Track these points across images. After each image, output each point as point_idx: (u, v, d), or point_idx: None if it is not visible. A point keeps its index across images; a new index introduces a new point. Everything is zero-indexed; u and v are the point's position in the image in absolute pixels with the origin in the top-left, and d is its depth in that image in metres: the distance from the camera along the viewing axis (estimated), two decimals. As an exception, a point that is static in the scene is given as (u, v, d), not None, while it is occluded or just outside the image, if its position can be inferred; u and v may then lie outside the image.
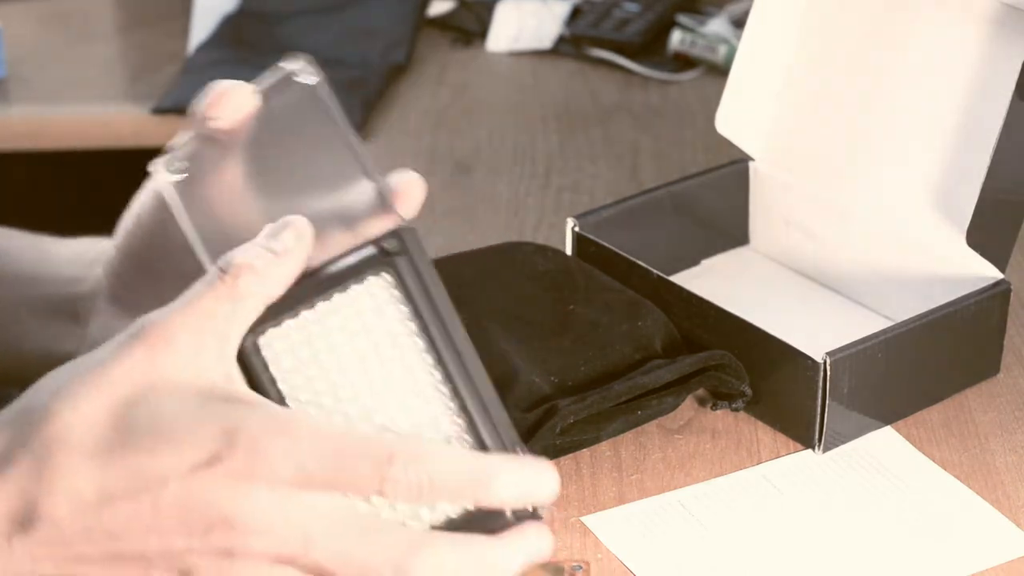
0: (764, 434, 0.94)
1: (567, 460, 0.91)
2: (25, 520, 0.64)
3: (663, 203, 1.08)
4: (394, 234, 0.67)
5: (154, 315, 0.66)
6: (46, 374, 0.67)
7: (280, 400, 0.66)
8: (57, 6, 1.64)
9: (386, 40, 1.50)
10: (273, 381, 0.67)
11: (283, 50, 1.57)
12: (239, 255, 0.66)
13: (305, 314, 0.67)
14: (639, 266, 1.00)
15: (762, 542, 0.86)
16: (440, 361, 0.67)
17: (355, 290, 0.67)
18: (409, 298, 0.67)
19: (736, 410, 0.94)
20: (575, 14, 1.55)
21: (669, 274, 1.01)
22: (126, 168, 1.57)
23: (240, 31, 1.52)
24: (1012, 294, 0.97)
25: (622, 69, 1.47)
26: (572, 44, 1.51)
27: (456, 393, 0.66)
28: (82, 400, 0.65)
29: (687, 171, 1.13)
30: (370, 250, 0.67)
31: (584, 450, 0.92)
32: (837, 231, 1.06)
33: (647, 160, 1.30)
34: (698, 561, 0.85)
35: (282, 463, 0.63)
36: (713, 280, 1.08)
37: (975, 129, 0.98)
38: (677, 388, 0.93)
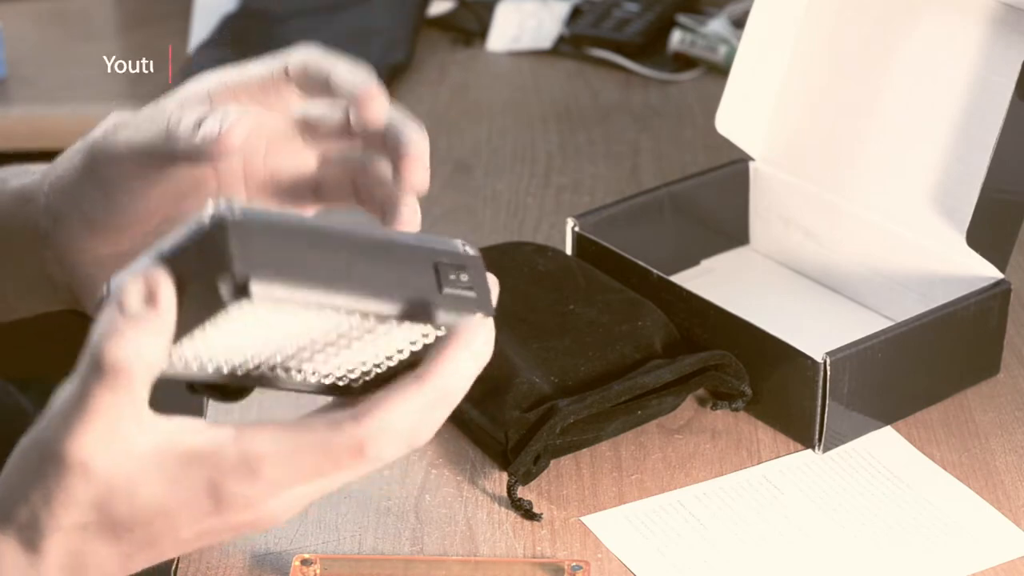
0: (764, 434, 0.94)
1: (567, 460, 0.91)
2: None
3: (663, 203, 1.08)
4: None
5: (63, 439, 0.65)
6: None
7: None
8: (57, 6, 1.64)
9: (386, 40, 1.50)
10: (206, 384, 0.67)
11: (283, 50, 1.58)
12: (108, 351, 0.64)
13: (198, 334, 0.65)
14: (639, 266, 1.00)
15: (762, 542, 0.86)
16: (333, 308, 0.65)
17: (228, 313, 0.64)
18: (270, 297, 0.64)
19: (736, 410, 0.94)
20: (575, 14, 1.55)
21: (669, 274, 1.01)
22: (126, 168, 1.57)
23: (240, 31, 1.51)
24: (1012, 294, 0.97)
25: (622, 69, 1.47)
26: (572, 44, 1.51)
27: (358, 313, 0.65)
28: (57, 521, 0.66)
29: (687, 171, 1.13)
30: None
31: (584, 450, 0.92)
32: (837, 231, 1.06)
33: (647, 160, 1.30)
34: (698, 561, 0.85)
35: (266, 490, 0.66)
36: (713, 280, 1.08)
37: (975, 129, 0.98)
38: (677, 388, 0.93)
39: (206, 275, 0.63)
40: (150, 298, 0.64)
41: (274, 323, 0.65)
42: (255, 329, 0.65)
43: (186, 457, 0.65)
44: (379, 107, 0.73)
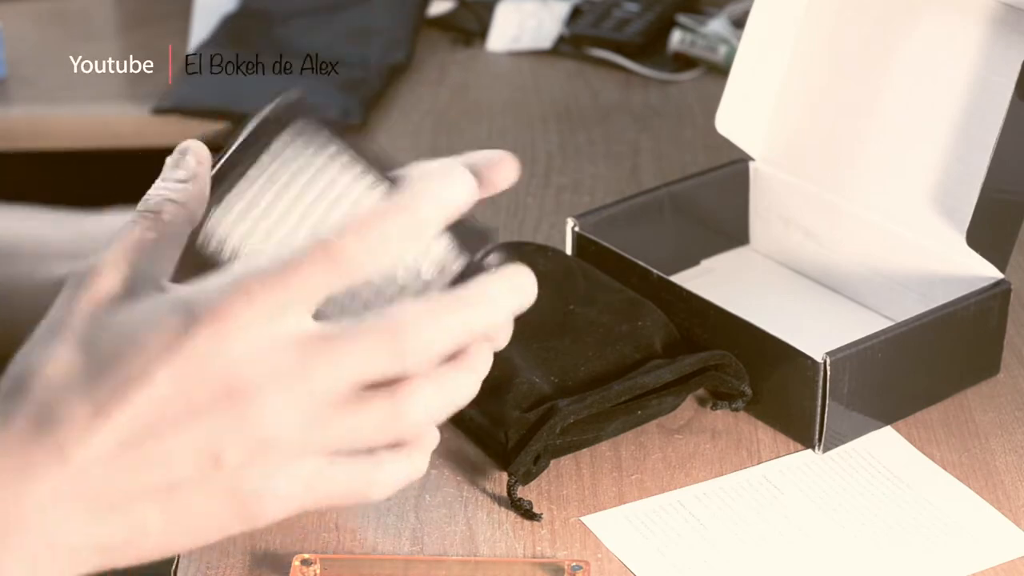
0: (764, 434, 0.94)
1: (567, 460, 0.91)
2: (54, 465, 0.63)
3: (663, 203, 1.08)
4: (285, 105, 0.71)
5: (88, 260, 0.67)
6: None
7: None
8: (57, 6, 1.64)
9: (386, 40, 1.50)
10: (236, 254, 0.69)
11: (283, 50, 1.58)
12: (152, 194, 0.68)
13: (241, 184, 0.69)
14: (639, 266, 1.00)
15: (762, 542, 0.86)
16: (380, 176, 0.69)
17: (275, 147, 0.69)
18: (326, 137, 0.70)
19: (736, 410, 0.94)
20: (575, 14, 1.55)
21: (669, 274, 1.01)
22: (126, 168, 1.57)
23: (240, 31, 1.52)
24: (1012, 294, 0.97)
25: (622, 69, 1.47)
26: (572, 44, 1.51)
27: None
28: (50, 349, 0.64)
29: (687, 171, 1.13)
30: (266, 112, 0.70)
31: (584, 450, 0.92)
32: (837, 231, 1.06)
33: (647, 160, 1.30)
34: (698, 561, 0.85)
35: (246, 312, 0.63)
36: (713, 280, 1.08)
37: (975, 129, 0.98)
38: (677, 388, 0.93)
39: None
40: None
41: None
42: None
43: (170, 291, 0.65)
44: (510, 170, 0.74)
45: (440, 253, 0.68)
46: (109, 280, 0.66)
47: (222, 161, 0.70)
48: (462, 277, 0.68)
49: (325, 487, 0.65)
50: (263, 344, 0.63)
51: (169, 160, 0.70)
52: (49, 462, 0.63)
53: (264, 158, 0.69)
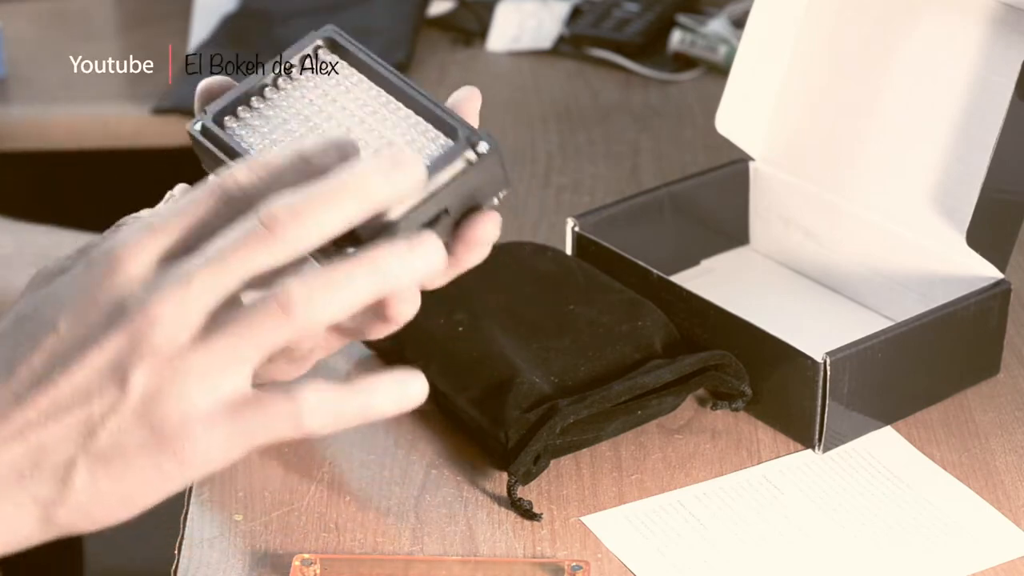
0: (764, 434, 0.94)
1: (567, 460, 0.91)
2: None
3: (663, 203, 1.08)
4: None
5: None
6: None
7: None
8: (57, 6, 1.64)
9: (386, 40, 1.50)
10: (241, 146, 0.73)
11: (283, 50, 1.58)
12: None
13: (256, 101, 0.75)
14: (639, 266, 1.00)
15: (762, 542, 0.86)
16: (397, 96, 0.74)
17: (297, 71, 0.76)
18: (351, 61, 0.77)
19: (736, 410, 0.94)
20: (575, 14, 1.55)
21: (669, 274, 1.01)
22: (126, 168, 1.58)
23: (240, 31, 1.52)
24: (1012, 294, 0.97)
25: (622, 69, 1.47)
26: (572, 44, 1.51)
27: (418, 110, 0.74)
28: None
29: (687, 171, 1.13)
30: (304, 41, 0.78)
31: (584, 450, 0.92)
32: (837, 231, 1.06)
33: (647, 160, 1.30)
34: (698, 561, 0.85)
35: (132, 235, 0.64)
36: (713, 280, 1.08)
37: (975, 129, 0.98)
38: (677, 388, 0.93)
39: None
40: None
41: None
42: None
43: None
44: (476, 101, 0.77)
45: None
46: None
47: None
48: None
49: (252, 411, 0.64)
50: (149, 267, 0.64)
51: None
52: None
53: (283, 82, 0.76)
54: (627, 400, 0.92)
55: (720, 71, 1.42)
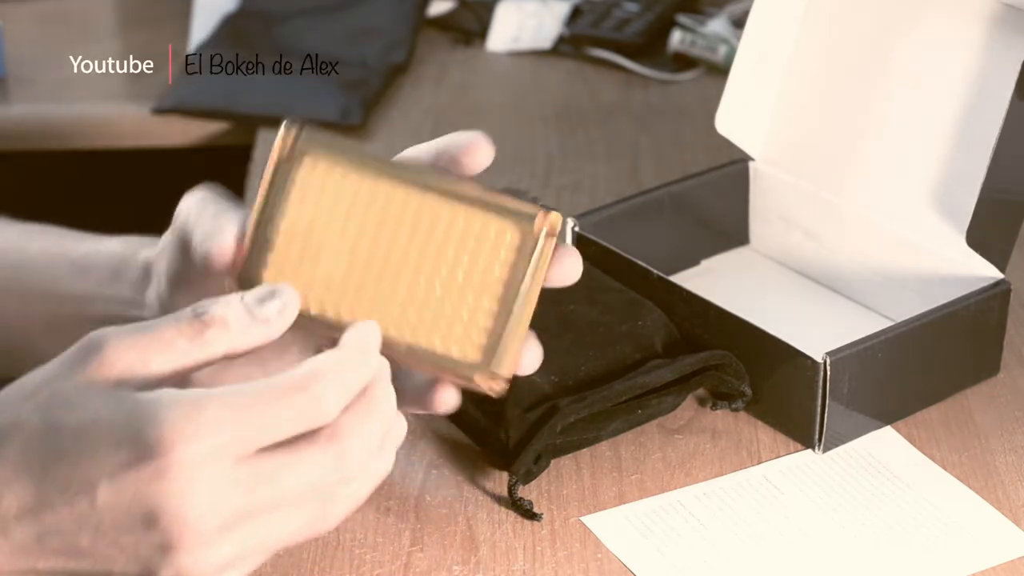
0: (764, 434, 0.94)
1: (567, 460, 0.91)
2: None
3: (663, 203, 1.08)
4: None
5: (111, 331, 0.68)
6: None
7: None
8: (57, 6, 1.64)
9: (386, 40, 1.50)
10: None
11: (283, 50, 1.58)
12: (218, 307, 0.69)
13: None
14: (639, 266, 1.00)
15: (762, 542, 0.86)
16: (415, 186, 0.73)
17: (296, 192, 0.73)
18: (342, 159, 0.73)
19: (736, 410, 0.94)
20: (575, 14, 1.55)
21: (669, 274, 1.01)
22: (126, 168, 1.58)
23: (240, 31, 1.51)
24: (1012, 294, 0.97)
25: (622, 69, 1.47)
26: (572, 44, 1.51)
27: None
28: (16, 408, 0.67)
29: (687, 171, 1.13)
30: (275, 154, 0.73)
31: (584, 450, 0.92)
32: (837, 231, 1.06)
33: (647, 160, 1.30)
34: (698, 561, 0.85)
35: (194, 448, 0.65)
36: (713, 280, 1.08)
37: (975, 129, 0.98)
38: (677, 388, 0.93)
39: None
40: None
41: None
42: None
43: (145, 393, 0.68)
44: (486, 151, 0.77)
45: None
46: (115, 366, 0.68)
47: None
48: None
49: (276, 541, 0.68)
50: (210, 483, 0.66)
51: (259, 289, 0.71)
52: None
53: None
54: (627, 400, 0.92)
55: (720, 71, 1.42)
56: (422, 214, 0.73)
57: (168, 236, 0.81)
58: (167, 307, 0.81)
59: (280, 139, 0.73)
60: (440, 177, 0.73)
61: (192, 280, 0.78)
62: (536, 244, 0.73)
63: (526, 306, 0.73)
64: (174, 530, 0.65)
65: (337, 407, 0.68)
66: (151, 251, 0.84)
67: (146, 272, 0.84)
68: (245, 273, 0.73)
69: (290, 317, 0.70)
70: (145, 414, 0.66)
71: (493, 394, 0.74)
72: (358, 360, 0.69)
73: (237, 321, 0.69)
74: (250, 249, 0.73)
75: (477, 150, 0.76)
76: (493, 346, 0.73)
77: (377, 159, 0.73)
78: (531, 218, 0.73)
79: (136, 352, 0.67)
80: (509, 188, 0.75)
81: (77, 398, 0.67)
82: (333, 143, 0.73)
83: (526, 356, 0.75)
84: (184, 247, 0.78)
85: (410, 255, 0.73)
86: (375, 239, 0.73)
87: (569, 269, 0.76)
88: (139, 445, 0.65)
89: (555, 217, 0.73)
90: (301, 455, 0.67)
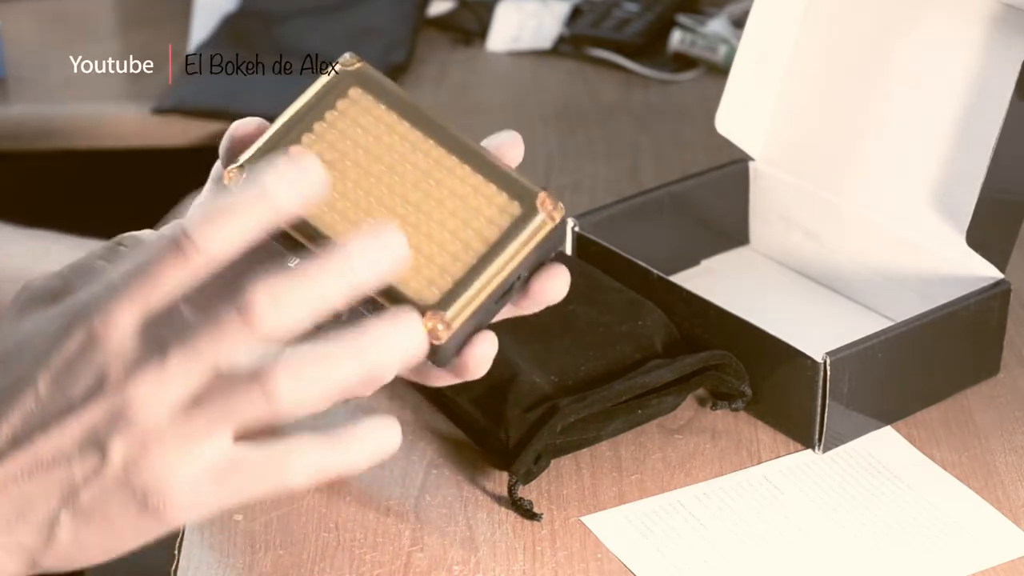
0: (764, 434, 0.94)
1: (567, 460, 0.91)
2: None
3: (663, 203, 1.08)
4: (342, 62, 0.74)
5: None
6: None
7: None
8: (57, 6, 1.64)
9: (386, 40, 1.50)
10: None
11: (283, 50, 1.58)
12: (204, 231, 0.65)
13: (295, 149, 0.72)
14: (639, 266, 1.00)
15: (762, 542, 0.86)
16: (442, 142, 0.72)
17: (332, 114, 0.73)
18: (387, 100, 0.73)
19: (736, 410, 0.94)
20: (575, 14, 1.55)
21: (669, 274, 1.01)
22: (126, 168, 1.58)
23: (240, 31, 1.52)
24: (1012, 294, 0.97)
25: (622, 69, 1.47)
26: (572, 44, 1.51)
27: (479, 167, 0.73)
28: None
29: (687, 171, 1.13)
30: (325, 77, 0.74)
31: (584, 450, 0.92)
32: (837, 231, 1.06)
33: (647, 160, 1.30)
34: (698, 561, 0.85)
35: (109, 299, 0.64)
36: (713, 280, 1.08)
37: (975, 129, 0.98)
38: (677, 388, 0.93)
39: None
40: None
41: None
42: None
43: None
44: (518, 152, 0.76)
45: None
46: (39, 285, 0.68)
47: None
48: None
49: (235, 473, 0.64)
50: (131, 340, 0.64)
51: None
52: None
53: (318, 126, 0.73)
54: (627, 400, 0.92)
55: (720, 71, 1.42)
56: (439, 166, 0.72)
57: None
58: None
59: (339, 64, 0.74)
60: (470, 142, 0.73)
61: None
62: (534, 221, 0.73)
63: (498, 273, 0.72)
64: (111, 384, 0.63)
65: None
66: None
67: None
68: (247, 158, 0.72)
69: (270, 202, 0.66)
70: (70, 302, 0.66)
71: (434, 341, 0.70)
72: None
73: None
74: (264, 143, 0.72)
75: (512, 148, 0.76)
76: (453, 295, 0.71)
77: (420, 110, 0.73)
78: (535, 195, 0.73)
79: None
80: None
81: (17, 326, 0.67)
82: (383, 85, 0.74)
83: (479, 347, 0.73)
84: None
85: (413, 197, 0.72)
86: (385, 176, 0.72)
87: (556, 285, 0.74)
88: (68, 323, 0.64)
89: (561, 207, 0.73)
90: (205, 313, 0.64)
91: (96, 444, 0.63)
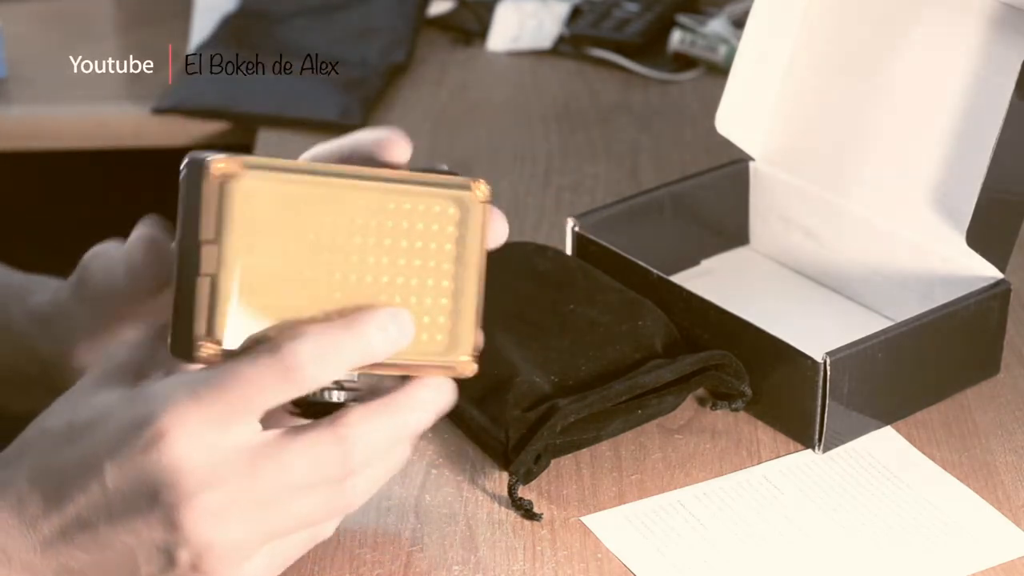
0: (764, 434, 0.94)
1: (567, 460, 0.91)
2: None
3: (663, 203, 1.08)
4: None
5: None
6: None
7: None
8: (57, 6, 1.64)
9: (386, 40, 1.50)
10: None
11: (283, 50, 1.58)
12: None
13: None
14: (639, 266, 1.00)
15: (762, 542, 0.86)
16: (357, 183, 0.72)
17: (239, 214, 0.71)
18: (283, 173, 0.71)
19: (736, 410, 0.94)
20: (575, 14, 1.55)
21: (669, 274, 1.01)
22: (126, 168, 1.58)
23: (240, 31, 1.51)
24: (1012, 294, 0.97)
25: (622, 69, 1.47)
26: (572, 44, 1.51)
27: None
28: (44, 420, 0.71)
29: (687, 171, 1.13)
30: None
31: (584, 450, 0.92)
32: (837, 231, 1.06)
33: (647, 160, 1.30)
34: (698, 561, 0.85)
35: (194, 420, 0.67)
36: (713, 280, 1.08)
37: (975, 129, 0.98)
38: (677, 388, 0.93)
39: None
40: None
41: None
42: None
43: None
44: (404, 148, 0.76)
45: None
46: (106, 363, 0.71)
47: None
48: None
49: (283, 558, 0.72)
50: (207, 452, 0.67)
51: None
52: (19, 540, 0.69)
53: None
54: (627, 400, 0.92)
55: (720, 71, 1.42)
56: (364, 210, 0.72)
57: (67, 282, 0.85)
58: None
59: (205, 176, 0.72)
60: (362, 170, 0.73)
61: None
62: (476, 213, 0.73)
63: (478, 278, 0.74)
64: (172, 500, 0.66)
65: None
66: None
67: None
68: (199, 329, 0.69)
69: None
70: (144, 394, 0.68)
71: (469, 373, 0.76)
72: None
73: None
74: (208, 301, 0.69)
75: (393, 146, 0.76)
76: (459, 332, 0.74)
77: (297, 168, 0.71)
78: (465, 188, 0.73)
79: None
80: (426, 167, 0.75)
81: (95, 398, 0.69)
82: (250, 161, 0.71)
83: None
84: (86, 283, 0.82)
85: (365, 256, 0.72)
86: (325, 251, 0.71)
87: (499, 231, 0.77)
88: (137, 419, 0.67)
89: (484, 184, 0.74)
90: (303, 438, 0.68)
91: (164, 550, 0.68)
